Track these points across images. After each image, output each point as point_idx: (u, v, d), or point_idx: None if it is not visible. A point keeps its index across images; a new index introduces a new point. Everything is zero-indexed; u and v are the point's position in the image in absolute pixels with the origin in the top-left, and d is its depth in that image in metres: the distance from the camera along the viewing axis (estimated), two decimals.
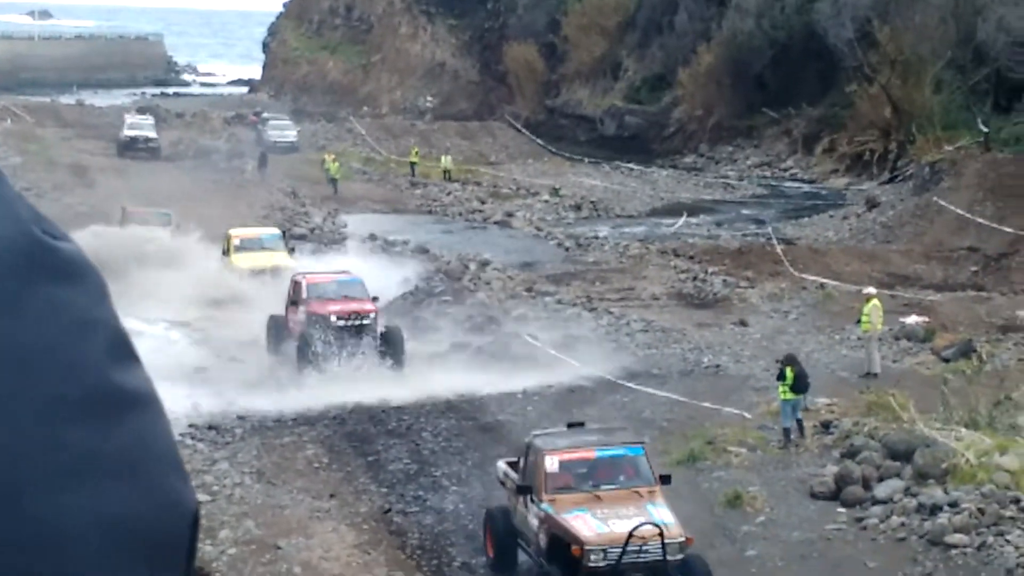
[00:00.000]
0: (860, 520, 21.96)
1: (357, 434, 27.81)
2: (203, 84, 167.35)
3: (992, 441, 23.50)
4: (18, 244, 1.25)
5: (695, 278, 44.73)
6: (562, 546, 18.96)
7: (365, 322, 32.33)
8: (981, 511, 20.63)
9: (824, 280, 43.99)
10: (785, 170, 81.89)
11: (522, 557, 20.49)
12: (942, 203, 53.31)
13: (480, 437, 27.44)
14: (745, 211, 66.84)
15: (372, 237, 52.12)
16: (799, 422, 26.55)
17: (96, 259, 1.40)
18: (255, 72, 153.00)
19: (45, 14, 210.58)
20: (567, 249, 53.21)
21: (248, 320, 35.96)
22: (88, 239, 38.88)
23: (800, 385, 26.32)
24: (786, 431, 26.23)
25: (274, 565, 21.19)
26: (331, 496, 23.92)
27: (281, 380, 31.47)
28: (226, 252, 41.60)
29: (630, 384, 31.21)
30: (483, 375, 32.38)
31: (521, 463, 20.77)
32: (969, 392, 26.78)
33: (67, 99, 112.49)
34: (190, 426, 28.00)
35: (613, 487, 19.85)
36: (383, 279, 38.71)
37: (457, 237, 56.05)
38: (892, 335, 35.55)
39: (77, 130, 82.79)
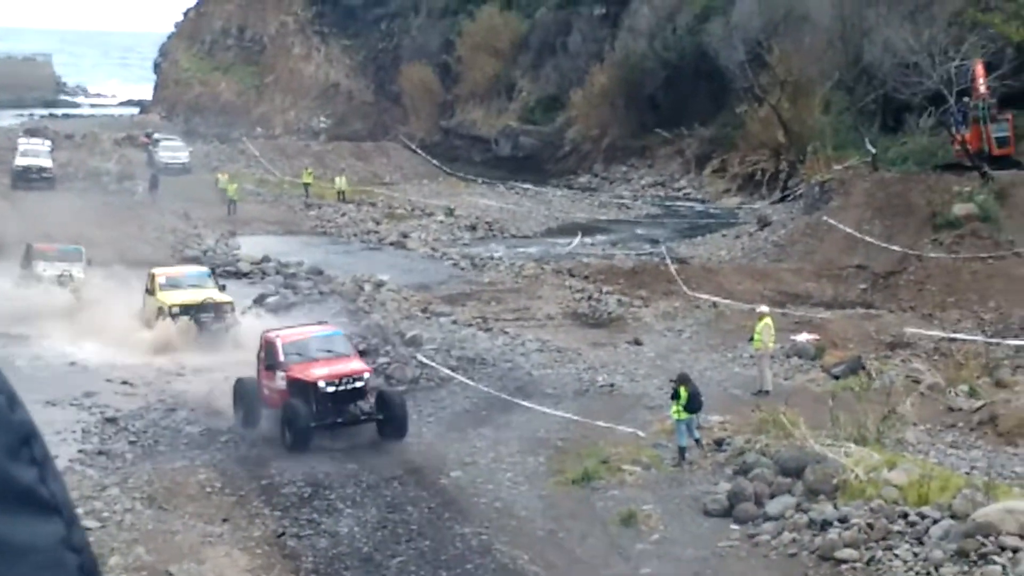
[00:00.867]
0: (752, 536, 22.12)
1: (251, 458, 27.53)
2: (93, 105, 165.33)
3: (880, 457, 23.81)
4: None
5: (590, 298, 44.92)
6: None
7: (358, 385, 28.27)
8: (870, 526, 20.86)
9: (717, 299, 44.37)
10: (678, 190, 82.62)
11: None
12: (832, 222, 54.02)
13: (375, 459, 27.26)
14: (639, 231, 67.29)
15: (266, 259, 51.74)
16: (697, 440, 26.72)
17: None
18: (147, 93, 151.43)
19: None
20: (462, 269, 53.20)
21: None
22: None
23: (694, 404, 26.51)
24: (681, 450, 26.38)
25: None
26: (224, 520, 23.62)
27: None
28: (151, 292, 38.98)
29: (525, 403, 31.23)
30: None
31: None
32: (858, 408, 27.11)
33: None
34: (79, 452, 27.59)
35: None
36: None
37: (352, 258, 55.81)
38: (783, 353, 35.94)
39: None
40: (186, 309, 37.45)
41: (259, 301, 43.48)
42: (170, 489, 25.37)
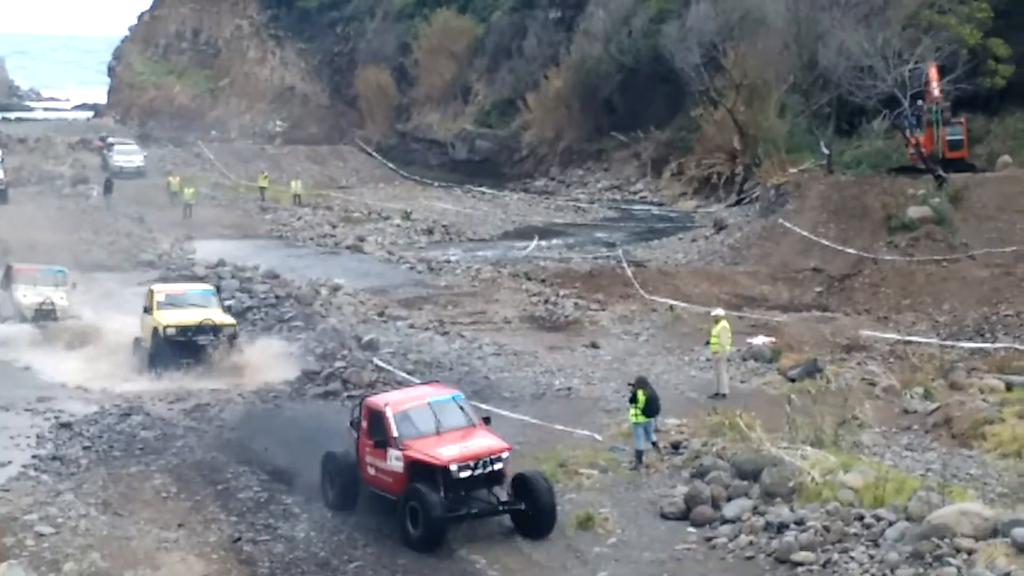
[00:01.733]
0: (709, 539, 22.13)
1: (206, 462, 27.36)
2: (47, 109, 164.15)
3: (837, 459, 23.89)
4: None
5: (547, 301, 44.92)
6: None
7: (497, 467, 22.84)
8: (826, 528, 20.92)
9: (673, 302, 44.44)
10: (635, 193, 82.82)
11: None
12: (787, 225, 54.26)
13: None
14: (596, 234, 67.38)
15: (221, 263, 51.48)
16: (654, 444, 26.73)
17: None
18: (101, 97, 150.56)
19: None
20: (419, 273, 53.10)
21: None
22: None
23: (651, 408, 26.50)
24: (639, 453, 26.37)
25: None
26: (179, 526, 23.46)
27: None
28: (148, 310, 35.82)
29: (483, 406, 31.13)
30: (335, 401, 32.15)
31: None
32: (814, 411, 27.21)
33: None
34: (34, 457, 27.36)
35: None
36: None
37: (308, 262, 55.59)
38: (740, 356, 36.04)
39: None
40: (183, 330, 34.71)
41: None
42: (125, 494, 25.17)
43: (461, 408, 24.07)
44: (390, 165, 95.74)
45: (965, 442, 28.16)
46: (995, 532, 19.75)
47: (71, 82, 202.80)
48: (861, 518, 21.23)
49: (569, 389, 33.45)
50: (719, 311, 34.86)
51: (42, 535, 22.24)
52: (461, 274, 52.21)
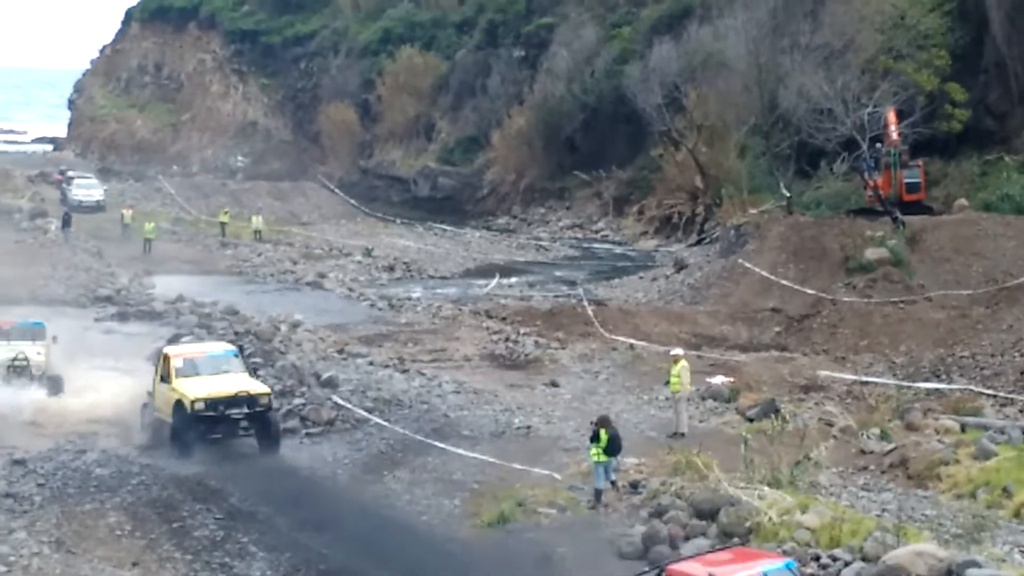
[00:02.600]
0: None
1: (162, 500, 27.17)
2: (6, 142, 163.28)
3: (793, 499, 23.98)
4: None
5: (507, 339, 44.93)
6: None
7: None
8: None
9: (633, 341, 44.52)
10: (596, 232, 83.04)
11: None
12: (747, 265, 54.46)
13: (288, 503, 27.00)
14: (557, 272, 67.46)
15: (180, 299, 51.29)
16: (613, 483, 26.74)
17: None
18: (61, 130, 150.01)
19: None
20: (380, 310, 53.04)
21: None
22: None
23: (613, 447, 26.54)
24: (598, 492, 26.38)
25: None
26: (134, 565, 23.29)
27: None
28: (165, 378, 31.24)
29: (441, 445, 31.11)
30: (292, 439, 32.03)
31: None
32: (772, 451, 27.27)
33: None
34: None
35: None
36: None
37: (268, 298, 55.45)
38: (699, 395, 36.11)
39: None
40: (213, 404, 29.98)
41: (173, 341, 43.01)
42: (79, 532, 24.99)
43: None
44: (352, 201, 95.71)
45: (921, 483, 28.30)
46: (949, 573, 19.88)
47: (31, 114, 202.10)
48: (818, 558, 21.31)
49: (528, 427, 33.42)
50: (678, 350, 34.95)
51: None
52: (422, 311, 52.18)
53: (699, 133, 73.76)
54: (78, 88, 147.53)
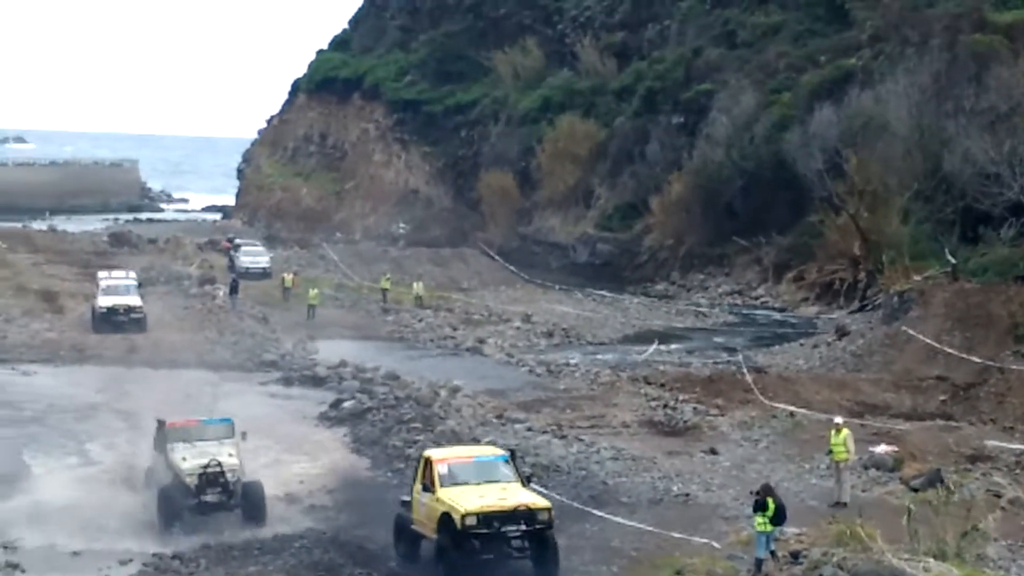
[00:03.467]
0: None
1: (324, 563, 27.51)
2: (177, 210, 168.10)
3: (960, 572, 23.43)
4: None
5: (666, 406, 44.71)
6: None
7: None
8: None
9: (794, 408, 43.99)
10: (756, 298, 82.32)
11: None
12: (911, 332, 53.57)
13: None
14: (716, 339, 66.97)
15: (343, 364, 52.03)
16: (773, 553, 26.40)
17: None
18: (229, 199, 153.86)
19: (19, 139, 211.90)
20: (538, 376, 53.18)
21: None
22: None
23: (780, 516, 26.25)
24: (759, 562, 26.05)
25: None
26: None
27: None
28: (428, 487, 26.94)
29: (599, 512, 31.04)
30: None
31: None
32: (937, 522, 26.69)
33: (39, 225, 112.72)
34: (153, 555, 27.70)
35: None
36: None
37: (428, 363, 55.96)
38: (861, 464, 35.52)
39: (48, 256, 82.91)
40: (487, 519, 25.47)
41: (335, 406, 43.67)
42: None
43: None
44: (511, 268, 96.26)
45: None
46: None
47: (200, 183, 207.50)
48: None
49: (687, 495, 33.21)
50: (840, 419, 34.49)
51: None
52: (580, 377, 52.20)
53: (860, 198, 72.83)
54: (246, 157, 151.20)
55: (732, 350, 60.76)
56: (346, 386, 47.81)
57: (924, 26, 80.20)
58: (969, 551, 25.88)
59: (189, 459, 30.20)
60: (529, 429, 40.40)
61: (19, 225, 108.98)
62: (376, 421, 41.12)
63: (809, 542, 27.52)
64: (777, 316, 76.07)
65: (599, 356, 59.84)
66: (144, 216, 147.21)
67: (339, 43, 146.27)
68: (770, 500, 26.19)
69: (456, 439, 37.30)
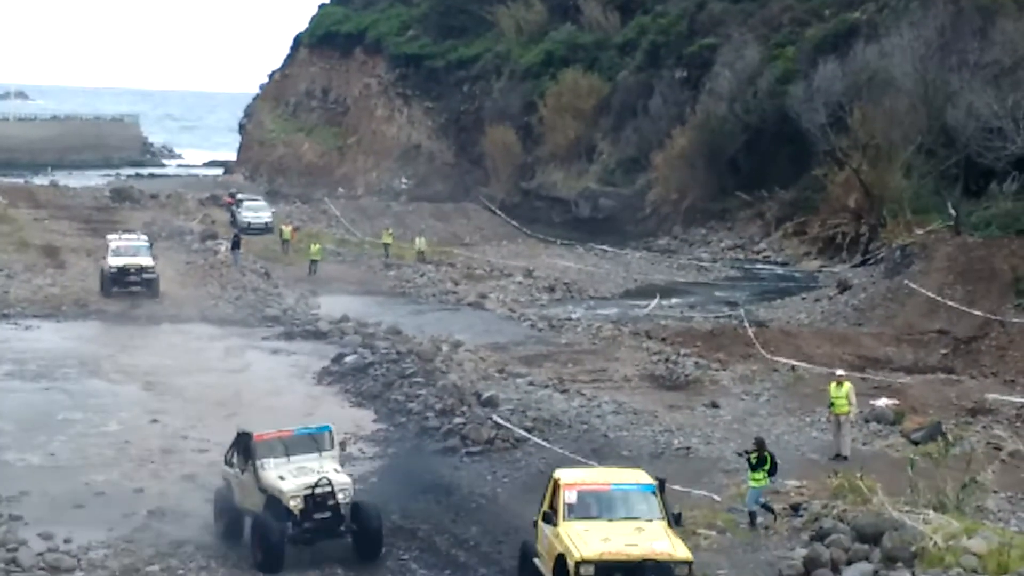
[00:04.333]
0: None
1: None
2: (179, 165, 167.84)
3: (960, 524, 23.49)
4: None
5: (667, 360, 44.72)
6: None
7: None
8: None
9: (795, 362, 44.03)
10: (758, 252, 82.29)
11: None
12: (913, 286, 53.58)
13: (448, 521, 27.30)
14: (718, 293, 67.01)
15: (345, 319, 52.07)
16: (766, 505, 26.53)
17: None
18: (231, 154, 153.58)
19: (20, 95, 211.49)
20: (540, 330, 53.18)
21: None
22: None
23: (774, 468, 26.48)
24: (753, 515, 26.21)
25: None
26: None
27: None
28: (550, 518, 22.36)
29: (601, 465, 31.09)
30: (452, 458, 32.36)
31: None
32: (937, 475, 26.77)
33: (41, 180, 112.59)
34: (155, 508, 27.86)
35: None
36: None
37: (430, 318, 55.98)
38: (862, 418, 35.55)
39: (50, 211, 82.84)
40: (609, 570, 20.82)
41: (337, 361, 43.74)
42: (244, 546, 25.47)
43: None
44: (513, 223, 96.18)
45: None
46: None
47: (203, 138, 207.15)
48: None
49: (688, 449, 33.27)
50: (842, 372, 34.53)
51: None
52: (582, 332, 52.22)
53: (864, 153, 72.72)
54: (248, 112, 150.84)
55: (734, 304, 60.84)
56: (348, 341, 47.86)
57: None
58: (969, 503, 25.99)
59: (289, 478, 25.07)
60: (531, 383, 40.42)
61: (21, 180, 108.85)
62: (378, 376, 41.15)
63: (810, 495, 27.63)
64: (779, 270, 76.09)
65: (601, 311, 59.86)
66: (146, 171, 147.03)
67: None
68: (767, 454, 26.33)
69: (458, 393, 37.35)
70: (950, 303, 50.66)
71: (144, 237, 60.73)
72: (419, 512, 27.80)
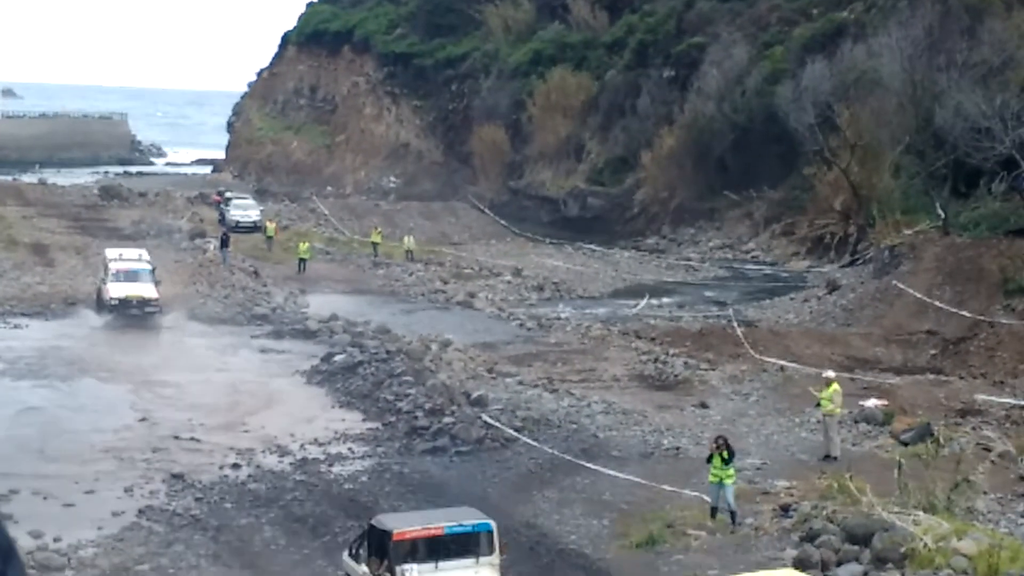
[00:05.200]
0: None
1: (315, 515, 27.60)
2: (167, 163, 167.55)
3: (950, 525, 23.52)
4: None
5: (656, 360, 44.77)
6: None
7: None
8: None
9: (784, 362, 44.09)
10: (747, 252, 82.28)
11: None
12: (901, 286, 53.64)
13: None
14: (707, 293, 67.02)
15: (334, 317, 52.03)
16: (716, 507, 26.66)
17: None
18: (219, 152, 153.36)
19: (9, 92, 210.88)
20: (529, 330, 53.21)
21: None
22: None
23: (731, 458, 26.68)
24: (733, 514, 26.27)
25: None
26: None
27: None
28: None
29: (590, 465, 31.14)
30: (442, 457, 32.35)
31: None
32: (927, 476, 26.82)
33: (29, 178, 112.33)
34: (147, 506, 27.78)
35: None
36: None
37: (419, 317, 55.97)
38: (852, 418, 35.63)
39: (39, 209, 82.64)
40: None
41: (326, 360, 43.71)
42: (235, 547, 25.47)
43: None
44: (502, 222, 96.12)
45: None
46: None
47: (190, 136, 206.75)
48: None
49: (678, 449, 33.32)
50: (830, 373, 34.57)
51: None
52: (571, 331, 52.24)
53: (852, 152, 72.77)
54: (236, 111, 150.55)
55: (722, 304, 60.84)
56: (337, 340, 47.85)
57: None
58: (958, 504, 26.04)
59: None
60: (520, 383, 40.46)
61: (9, 178, 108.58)
62: (367, 375, 41.14)
63: (799, 496, 27.67)
64: (768, 270, 76.08)
65: (590, 310, 59.86)
66: (134, 170, 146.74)
67: None
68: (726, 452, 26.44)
69: (447, 392, 37.35)
70: (939, 304, 50.74)
71: (146, 256, 56.53)
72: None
